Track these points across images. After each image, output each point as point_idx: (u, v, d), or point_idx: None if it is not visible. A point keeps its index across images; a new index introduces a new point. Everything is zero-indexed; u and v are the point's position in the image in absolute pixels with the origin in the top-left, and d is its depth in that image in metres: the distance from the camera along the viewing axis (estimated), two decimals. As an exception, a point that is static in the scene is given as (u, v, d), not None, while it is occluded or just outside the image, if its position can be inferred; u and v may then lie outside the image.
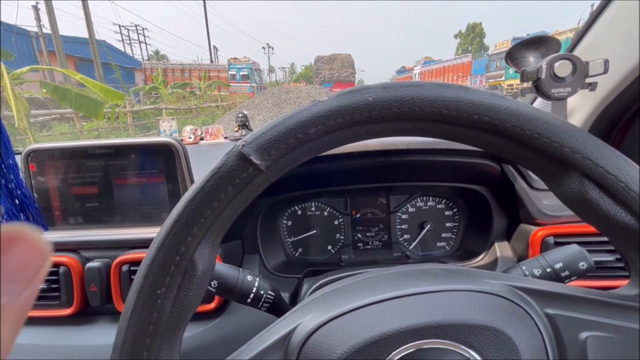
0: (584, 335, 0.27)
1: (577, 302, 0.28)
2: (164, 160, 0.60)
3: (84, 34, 12.21)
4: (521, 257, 0.64)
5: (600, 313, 0.27)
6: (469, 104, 0.25)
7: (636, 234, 0.25)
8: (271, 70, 54.62)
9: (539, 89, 0.61)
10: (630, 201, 0.25)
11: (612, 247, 0.58)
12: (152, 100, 14.65)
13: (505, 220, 0.71)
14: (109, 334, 0.56)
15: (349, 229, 0.80)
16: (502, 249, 0.69)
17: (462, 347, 0.26)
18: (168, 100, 13.44)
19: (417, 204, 0.79)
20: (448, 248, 0.79)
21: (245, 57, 24.02)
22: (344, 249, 0.80)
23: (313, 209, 0.79)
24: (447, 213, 0.79)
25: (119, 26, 35.69)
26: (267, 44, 51.41)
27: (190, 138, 1.07)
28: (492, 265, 0.67)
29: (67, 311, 0.58)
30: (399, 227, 0.80)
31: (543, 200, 0.63)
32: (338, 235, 0.80)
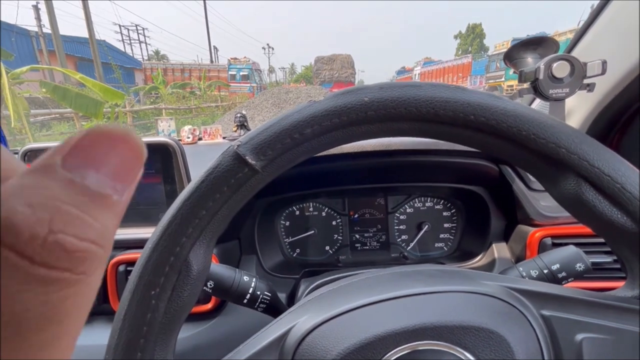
0: (579, 336, 0.27)
1: (573, 303, 0.28)
2: (162, 160, 0.60)
3: (84, 33, 12.23)
4: (519, 258, 0.64)
5: (596, 315, 0.27)
6: (465, 105, 0.25)
7: (632, 235, 0.25)
8: (271, 70, 54.65)
9: (537, 90, 0.60)
10: (626, 202, 0.25)
11: (610, 249, 0.58)
12: (152, 100, 14.65)
13: (503, 221, 0.71)
14: (105, 334, 0.56)
15: (347, 230, 0.80)
16: (499, 250, 0.69)
17: (457, 348, 0.26)
18: (168, 100, 13.44)
19: (415, 205, 0.79)
20: (446, 249, 0.79)
21: (245, 57, 24.03)
22: (341, 249, 0.80)
23: (311, 209, 0.79)
24: (445, 214, 0.79)
25: (119, 26, 35.72)
26: (267, 44, 51.50)
27: (188, 138, 1.07)
28: (490, 266, 0.67)
29: None
30: (397, 227, 0.80)
31: (541, 201, 0.63)
32: (336, 235, 0.80)
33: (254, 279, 0.46)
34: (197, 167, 0.62)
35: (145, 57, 36.85)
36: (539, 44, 0.65)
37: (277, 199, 0.74)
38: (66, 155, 0.10)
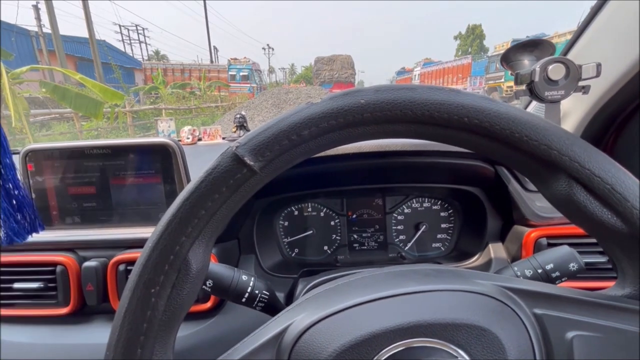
0: (570, 334, 0.27)
1: (565, 302, 0.28)
2: (161, 160, 0.60)
3: (84, 33, 12.21)
4: (515, 258, 0.64)
5: (587, 313, 0.28)
6: (459, 107, 0.26)
7: (622, 235, 0.26)
8: (271, 70, 54.61)
9: (532, 92, 0.61)
10: (616, 203, 0.25)
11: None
12: (151, 100, 14.63)
13: (499, 222, 0.72)
14: (106, 333, 0.56)
15: (345, 230, 0.80)
16: (496, 250, 0.69)
17: (451, 346, 0.27)
18: (168, 100, 13.43)
19: (413, 205, 0.80)
20: (443, 249, 0.80)
21: (245, 57, 24.01)
22: (340, 249, 0.80)
23: (309, 209, 0.80)
24: (442, 214, 0.79)
25: (119, 26, 35.68)
26: (268, 45, 51.46)
27: (188, 139, 1.07)
28: (486, 266, 0.68)
29: (63, 310, 0.59)
30: (395, 228, 0.80)
31: (536, 201, 0.64)
32: (334, 235, 0.80)
33: (252, 278, 0.46)
34: (197, 167, 0.63)
35: (145, 57, 36.80)
36: (535, 46, 0.66)
37: (276, 199, 0.75)
38: None
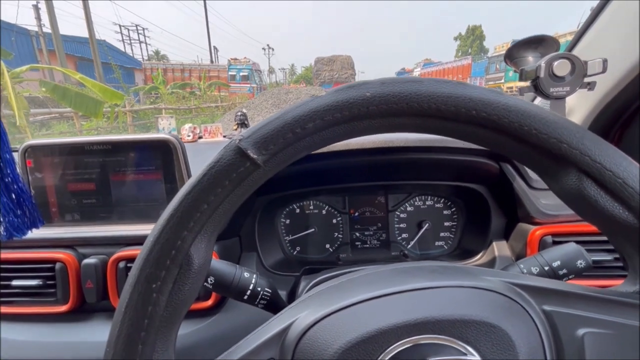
0: (581, 331, 0.27)
1: (575, 298, 0.28)
2: (162, 156, 0.60)
3: (84, 33, 12.23)
4: (519, 256, 0.64)
5: (597, 310, 0.27)
6: (466, 100, 0.25)
7: (634, 230, 0.25)
8: (271, 71, 54.67)
9: (537, 88, 0.60)
10: (628, 197, 0.25)
11: (611, 247, 0.58)
12: (151, 100, 14.64)
13: (503, 220, 0.71)
14: (105, 331, 0.56)
15: (347, 228, 0.80)
16: (500, 248, 0.69)
17: (459, 342, 0.26)
18: (168, 100, 13.44)
19: (416, 203, 0.79)
20: (446, 247, 0.79)
21: (245, 57, 24.06)
22: (342, 247, 0.80)
23: (311, 207, 0.79)
24: (445, 212, 0.79)
25: (120, 26, 35.71)
26: (268, 45, 51.54)
27: (188, 136, 1.07)
28: (490, 264, 0.67)
29: (63, 308, 0.58)
30: (397, 226, 0.80)
31: (541, 199, 0.63)
32: (336, 233, 0.80)
33: (254, 275, 0.46)
34: (198, 164, 0.62)
35: (145, 57, 36.84)
36: (539, 42, 0.65)
37: (277, 196, 0.74)
38: None
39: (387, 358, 0.26)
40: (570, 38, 0.71)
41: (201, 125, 1.11)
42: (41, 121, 8.34)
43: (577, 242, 0.46)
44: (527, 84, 0.63)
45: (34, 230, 0.53)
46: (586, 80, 0.59)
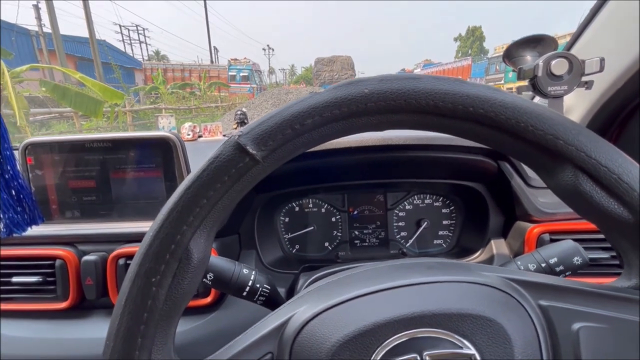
0: (576, 326, 0.27)
1: (570, 293, 0.28)
2: (162, 154, 0.60)
3: (84, 33, 12.23)
4: (517, 254, 0.64)
5: (593, 304, 0.27)
6: (464, 97, 0.25)
7: (629, 226, 0.26)
8: (271, 71, 54.66)
9: (535, 87, 0.61)
10: (623, 193, 0.25)
11: (607, 245, 0.58)
12: (152, 100, 14.63)
13: (501, 218, 0.71)
14: (105, 328, 0.56)
15: (346, 226, 0.80)
16: (498, 246, 0.69)
17: (455, 336, 0.26)
18: (168, 100, 13.44)
19: (414, 202, 0.80)
20: (445, 245, 0.79)
21: (245, 58, 24.03)
22: (341, 245, 0.80)
23: (310, 205, 0.79)
24: (444, 211, 0.79)
25: (120, 26, 35.70)
26: (268, 46, 51.51)
27: (188, 135, 1.07)
28: (489, 262, 0.68)
29: (62, 305, 0.58)
30: (396, 224, 0.80)
31: (539, 197, 0.64)
32: (335, 232, 0.80)
33: (253, 272, 0.46)
34: (198, 163, 0.62)
35: (146, 58, 36.81)
36: (538, 42, 0.66)
37: (276, 194, 0.75)
38: None
39: (383, 352, 0.26)
40: (569, 39, 0.71)
41: (201, 124, 1.12)
42: (41, 121, 8.34)
43: (575, 240, 0.46)
44: (526, 82, 0.64)
45: (33, 227, 0.53)
46: (584, 79, 0.59)
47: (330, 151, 0.64)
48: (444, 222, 0.79)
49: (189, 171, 0.60)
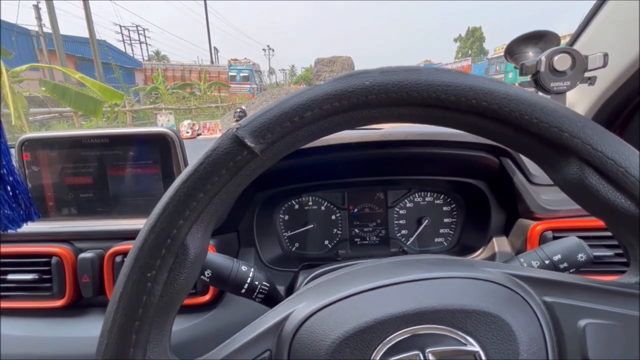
0: (582, 322, 0.26)
1: (576, 289, 0.28)
2: (160, 151, 0.60)
3: (84, 33, 12.25)
4: (519, 252, 0.63)
5: (599, 300, 0.27)
6: (467, 89, 0.25)
7: (635, 220, 0.25)
8: (271, 72, 54.72)
9: (538, 83, 0.60)
10: (630, 186, 0.24)
11: (612, 242, 0.58)
12: (152, 100, 14.64)
13: (503, 215, 0.71)
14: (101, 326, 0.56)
15: (346, 224, 0.79)
16: (500, 244, 0.68)
17: (459, 332, 0.26)
18: (168, 100, 13.44)
19: (415, 199, 0.79)
20: (446, 244, 0.79)
21: (245, 58, 24.04)
22: (340, 243, 0.79)
23: (310, 203, 0.79)
24: (445, 208, 0.79)
25: (120, 26, 35.74)
26: (268, 46, 51.61)
27: (187, 133, 1.06)
28: (490, 260, 0.67)
29: (59, 302, 0.58)
30: (397, 222, 0.79)
31: (542, 194, 0.63)
32: (335, 230, 0.79)
33: (252, 269, 0.45)
34: (196, 160, 0.62)
35: (146, 58, 36.86)
36: (540, 38, 0.65)
37: (276, 192, 0.74)
38: None
39: (385, 349, 0.26)
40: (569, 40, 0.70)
41: (200, 122, 1.11)
42: (41, 121, 8.34)
43: (578, 237, 0.46)
44: (528, 78, 0.63)
45: (30, 223, 0.53)
46: (587, 74, 0.58)
47: (329, 147, 0.64)
48: (445, 220, 0.79)
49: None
